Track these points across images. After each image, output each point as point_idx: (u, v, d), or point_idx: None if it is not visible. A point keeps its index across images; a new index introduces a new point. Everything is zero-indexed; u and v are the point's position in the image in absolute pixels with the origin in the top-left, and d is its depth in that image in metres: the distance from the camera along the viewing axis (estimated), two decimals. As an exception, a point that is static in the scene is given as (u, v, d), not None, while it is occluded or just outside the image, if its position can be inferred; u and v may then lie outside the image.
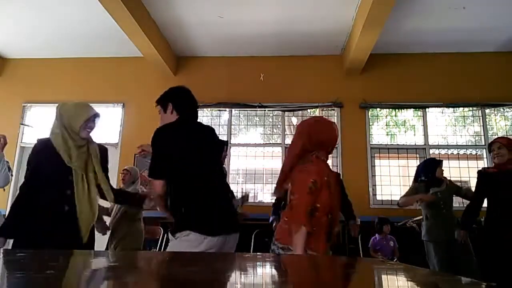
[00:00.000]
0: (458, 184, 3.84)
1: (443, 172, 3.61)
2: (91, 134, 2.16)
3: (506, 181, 2.84)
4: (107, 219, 3.48)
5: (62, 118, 2.07)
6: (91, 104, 2.18)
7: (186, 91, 2.10)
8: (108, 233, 3.44)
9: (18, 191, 2.09)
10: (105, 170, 2.21)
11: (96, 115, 2.14)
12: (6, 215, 2.11)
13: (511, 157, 2.88)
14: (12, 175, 3.04)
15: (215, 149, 2.09)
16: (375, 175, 5.12)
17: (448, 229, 3.34)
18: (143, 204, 2.36)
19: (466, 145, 5.38)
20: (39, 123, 5.58)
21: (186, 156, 1.88)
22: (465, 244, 3.30)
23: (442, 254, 3.35)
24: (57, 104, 2.17)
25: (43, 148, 2.07)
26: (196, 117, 2.11)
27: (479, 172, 3.11)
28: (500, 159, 2.94)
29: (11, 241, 2.09)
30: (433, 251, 3.40)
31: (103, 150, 2.24)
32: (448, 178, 3.67)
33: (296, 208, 1.81)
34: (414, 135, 5.37)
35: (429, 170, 3.55)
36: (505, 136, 4.86)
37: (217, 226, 1.82)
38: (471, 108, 5.29)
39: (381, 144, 5.29)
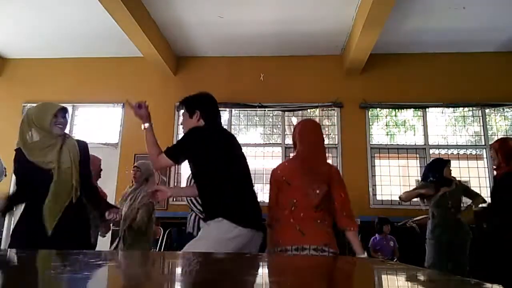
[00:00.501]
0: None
1: (451, 172, 3.57)
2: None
3: (503, 185, 2.84)
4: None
5: (31, 120, 2.07)
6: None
7: (212, 98, 2.20)
8: (109, 234, 3.40)
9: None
10: (85, 164, 2.19)
11: (64, 110, 2.14)
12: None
13: (500, 160, 2.86)
14: (5, 175, 3.03)
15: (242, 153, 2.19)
16: (375, 175, 5.11)
17: (451, 230, 3.33)
18: (104, 214, 2.21)
19: (466, 145, 5.38)
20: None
21: (226, 155, 1.98)
22: (463, 245, 3.31)
23: (441, 255, 3.33)
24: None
25: (21, 158, 2.10)
26: (221, 124, 2.22)
27: None
28: (493, 162, 2.99)
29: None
30: (433, 250, 3.39)
31: (82, 145, 2.22)
32: (458, 179, 3.64)
33: (347, 206, 2.00)
34: (414, 135, 5.37)
35: (436, 171, 3.51)
36: (505, 136, 4.87)
37: (248, 219, 1.87)
38: (471, 108, 5.29)
39: (381, 144, 5.28)
